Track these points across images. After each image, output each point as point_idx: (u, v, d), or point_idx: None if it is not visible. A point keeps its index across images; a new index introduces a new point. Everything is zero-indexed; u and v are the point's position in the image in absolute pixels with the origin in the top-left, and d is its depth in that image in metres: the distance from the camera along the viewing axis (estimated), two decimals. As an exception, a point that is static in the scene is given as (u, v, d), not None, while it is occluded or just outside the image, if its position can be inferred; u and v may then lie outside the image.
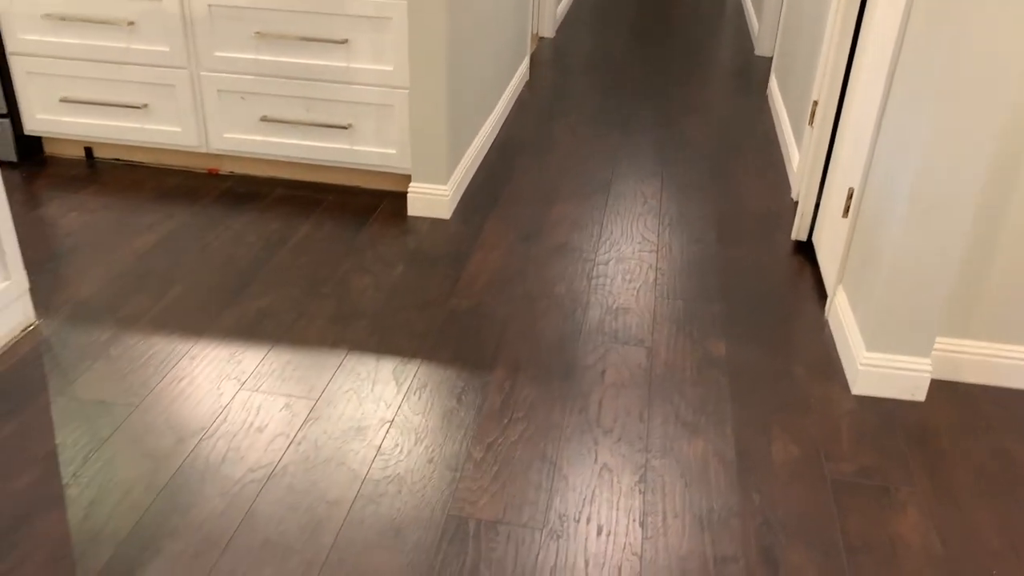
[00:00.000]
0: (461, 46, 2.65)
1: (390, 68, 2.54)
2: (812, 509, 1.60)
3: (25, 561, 1.42)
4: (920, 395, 1.91)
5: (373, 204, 2.73)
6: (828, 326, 2.18)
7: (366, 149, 2.68)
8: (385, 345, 2.03)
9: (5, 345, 1.95)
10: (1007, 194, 1.79)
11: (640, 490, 1.63)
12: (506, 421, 1.80)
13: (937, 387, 1.96)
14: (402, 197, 2.78)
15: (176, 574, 1.41)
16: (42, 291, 2.17)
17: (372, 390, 1.88)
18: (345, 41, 2.53)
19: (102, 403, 1.79)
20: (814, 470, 1.70)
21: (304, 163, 2.80)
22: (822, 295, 2.33)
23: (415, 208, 2.68)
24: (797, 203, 2.85)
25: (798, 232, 2.57)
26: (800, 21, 3.29)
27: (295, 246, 2.46)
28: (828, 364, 2.03)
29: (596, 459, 1.71)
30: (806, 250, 2.56)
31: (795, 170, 2.92)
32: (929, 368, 1.89)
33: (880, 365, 1.89)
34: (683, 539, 1.53)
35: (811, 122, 2.75)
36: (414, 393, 1.87)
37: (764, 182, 3.02)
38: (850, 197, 2.12)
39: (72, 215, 2.57)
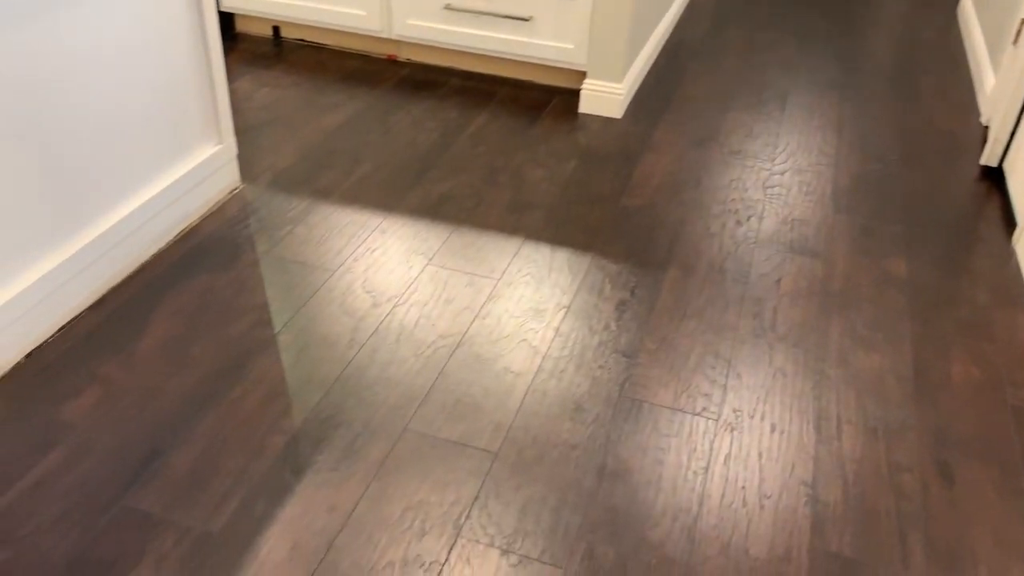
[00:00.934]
0: (650, -59, 2.59)
1: (577, -39, 2.52)
2: (991, 431, 1.59)
3: (247, 395, 1.59)
4: (1116, 333, 1.83)
5: (545, 99, 2.76)
6: (1016, 256, 2.10)
7: (544, 43, 2.69)
8: (559, 236, 2.09)
9: (215, 205, 2.12)
10: None
11: (815, 395, 1.66)
12: (679, 318, 1.84)
13: None
14: (573, 94, 2.80)
15: (377, 421, 1.55)
16: (243, 159, 2.33)
17: (549, 276, 1.95)
18: (535, -69, 2.52)
19: (304, 264, 1.94)
20: (995, 394, 1.68)
21: (478, 54, 2.84)
22: (1009, 223, 2.23)
23: (587, 105, 2.69)
24: (986, 127, 2.71)
25: (988, 157, 2.45)
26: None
27: (472, 135, 2.53)
28: (1016, 294, 1.97)
29: (770, 362, 1.73)
30: (994, 176, 2.45)
31: (987, 93, 2.76)
32: None
33: (1076, 298, 1.82)
34: (857, 445, 1.55)
35: (1015, 41, 2.58)
36: (588, 283, 1.94)
37: (949, 103, 2.87)
38: (1062, 121, 2.00)
39: (265, 90, 2.71)
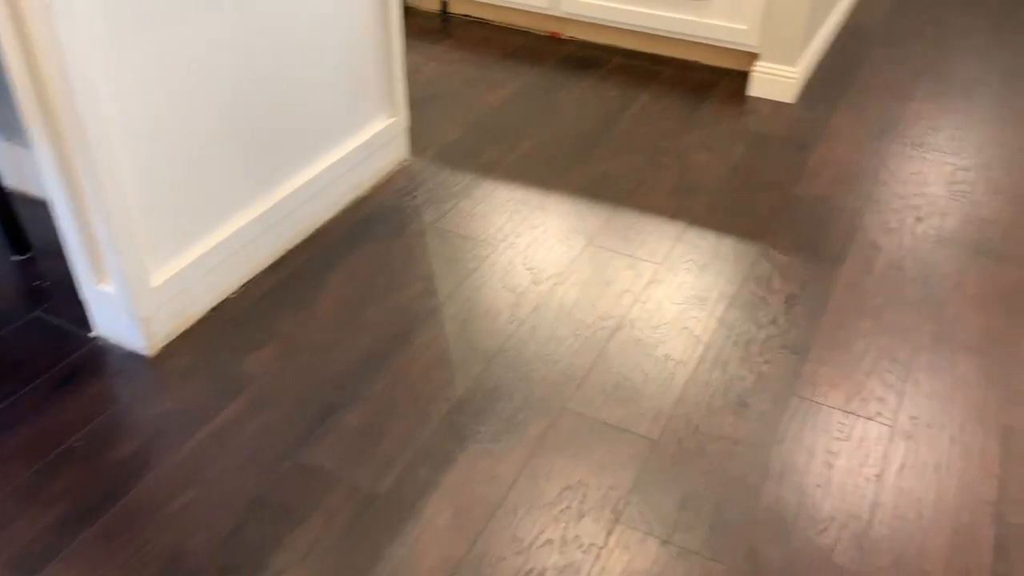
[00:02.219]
0: (839, -83, 2.45)
1: (758, -62, 2.42)
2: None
3: (414, 361, 1.63)
4: None
5: (712, 81, 2.68)
6: None
7: (716, 23, 2.61)
8: (725, 223, 2.04)
9: (385, 176, 2.18)
10: None
11: (1002, 409, 1.54)
12: (854, 317, 1.76)
13: None
14: (742, 76, 2.70)
15: (536, 397, 1.56)
16: (411, 132, 2.38)
17: (713, 264, 1.90)
18: (716, -94, 2.43)
19: (467, 238, 1.97)
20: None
21: (643, 32, 2.79)
22: None
23: (757, 88, 2.60)
24: None
25: None
26: None
27: (635, 115, 2.49)
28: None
29: (952, 370, 1.63)
30: None
31: None
32: None
33: None
34: (1048, 467, 1.44)
35: None
36: (756, 273, 1.87)
37: None
38: None
39: (431, 65, 2.76)
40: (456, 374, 1.60)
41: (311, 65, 1.84)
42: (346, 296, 1.78)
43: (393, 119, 2.15)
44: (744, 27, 2.57)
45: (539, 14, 2.95)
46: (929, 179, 2.21)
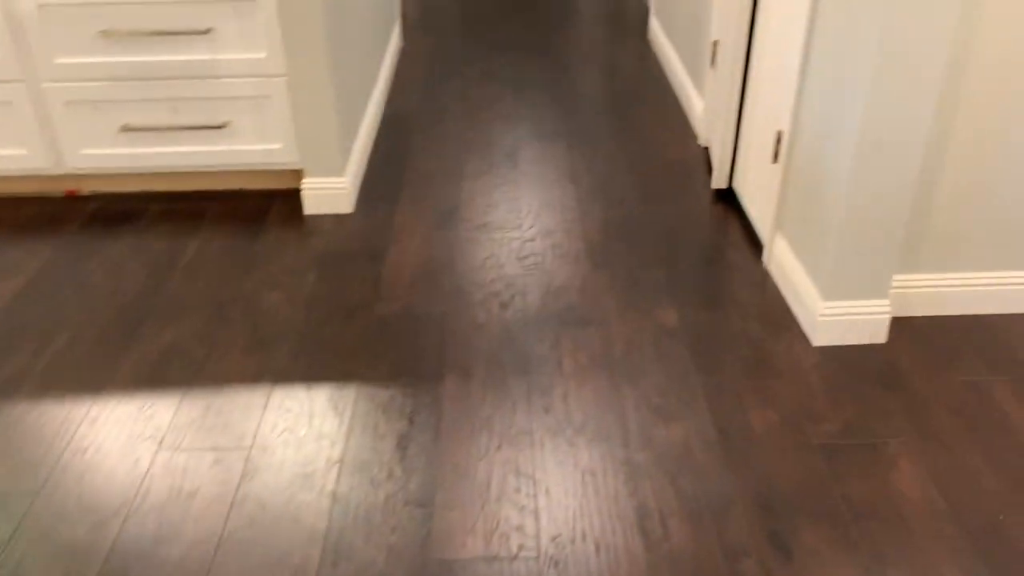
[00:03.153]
0: (337, 17, 2.40)
1: (263, 55, 2.27)
2: (808, 480, 1.52)
3: None
4: (881, 337, 1.86)
5: (264, 207, 2.48)
6: (770, 276, 2.11)
7: (247, 148, 2.41)
8: (314, 370, 1.82)
9: None
10: (948, 121, 1.74)
11: (630, 492, 1.51)
12: (469, 435, 1.64)
13: (892, 325, 1.92)
14: (295, 195, 2.53)
15: None
16: None
17: (311, 426, 1.67)
18: (208, 31, 2.24)
19: (-6, 494, 1.52)
20: (798, 436, 1.62)
21: (179, 171, 2.50)
22: (753, 243, 2.25)
23: (313, 205, 2.44)
24: (706, 148, 2.77)
25: (718, 181, 2.49)
26: (680, -42, 3.18)
27: (187, 267, 2.19)
28: (782, 317, 1.96)
29: (576, 465, 1.57)
30: (727, 197, 2.49)
31: (699, 115, 2.84)
32: (888, 309, 1.84)
33: (839, 313, 1.83)
34: (686, 539, 1.42)
35: (713, 63, 2.66)
36: (359, 422, 1.68)
37: (668, 131, 2.92)
38: (779, 141, 2.03)
39: (-88, 267, 2.20)
40: None
41: None
42: None
43: None
44: (278, 146, 2.40)
45: (46, 176, 2.51)
46: (502, 259, 2.21)
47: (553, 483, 1.53)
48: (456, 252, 2.24)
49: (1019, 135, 1.75)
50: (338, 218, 2.42)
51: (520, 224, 2.36)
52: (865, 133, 1.64)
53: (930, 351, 1.84)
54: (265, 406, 1.72)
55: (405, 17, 4.17)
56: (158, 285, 2.11)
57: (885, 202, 1.71)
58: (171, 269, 2.18)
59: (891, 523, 1.43)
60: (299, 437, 1.64)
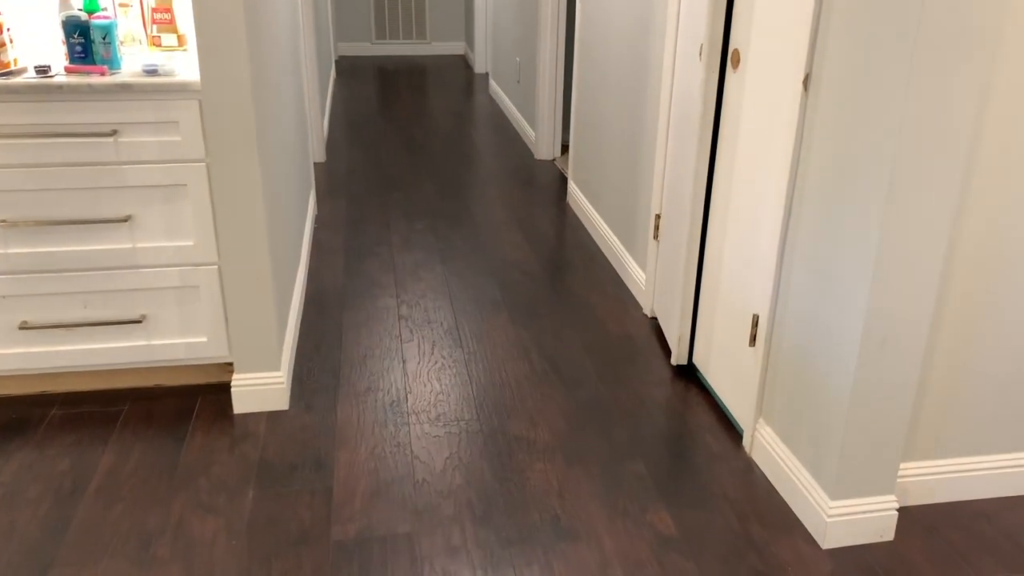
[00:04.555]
0: (272, 202, 2.22)
1: (190, 243, 2.06)
2: None
3: None
4: (889, 534, 1.75)
5: (187, 406, 2.19)
6: (756, 465, 1.99)
7: (167, 342, 2.14)
8: (270, 619, 1.53)
9: None
10: (939, 308, 1.70)
11: None
12: None
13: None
14: (221, 390, 2.26)
15: None
16: None
17: None
18: (128, 218, 2.01)
19: None
20: (839, 667, 1.45)
21: (84, 370, 2.20)
22: (726, 426, 2.14)
23: (243, 404, 2.18)
24: (654, 319, 2.70)
25: (678, 357, 2.40)
26: (601, 136, 3.21)
27: (100, 490, 1.87)
28: (781, 515, 1.83)
29: None
30: (687, 373, 2.39)
31: (642, 287, 2.78)
32: (895, 504, 1.74)
33: (849, 512, 1.71)
34: None
35: (656, 236, 2.63)
36: None
37: (608, 300, 2.85)
38: (756, 324, 1.96)
39: None
40: None
41: None
42: None
43: None
44: (204, 339, 2.15)
45: (-82, 381, 2.15)
46: (465, 459, 2.00)
47: None
48: (413, 454, 2.02)
49: (1007, 319, 1.73)
50: (273, 417, 2.16)
51: (477, 415, 2.17)
52: (869, 330, 1.57)
53: (941, 548, 1.73)
54: None
55: (317, 182, 4.03)
56: (66, 515, 1.78)
57: (891, 395, 1.64)
58: (80, 493, 1.86)
59: None
60: None
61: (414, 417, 2.16)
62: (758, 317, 1.95)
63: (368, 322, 2.66)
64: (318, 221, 3.52)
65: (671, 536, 1.76)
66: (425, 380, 2.33)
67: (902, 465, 1.83)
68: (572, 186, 3.77)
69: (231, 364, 2.26)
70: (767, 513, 1.83)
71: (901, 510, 1.84)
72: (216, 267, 2.08)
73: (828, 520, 1.71)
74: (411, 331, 2.61)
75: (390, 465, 1.97)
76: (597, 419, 2.17)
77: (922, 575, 1.66)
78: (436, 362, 2.43)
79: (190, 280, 2.09)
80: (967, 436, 1.83)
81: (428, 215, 3.61)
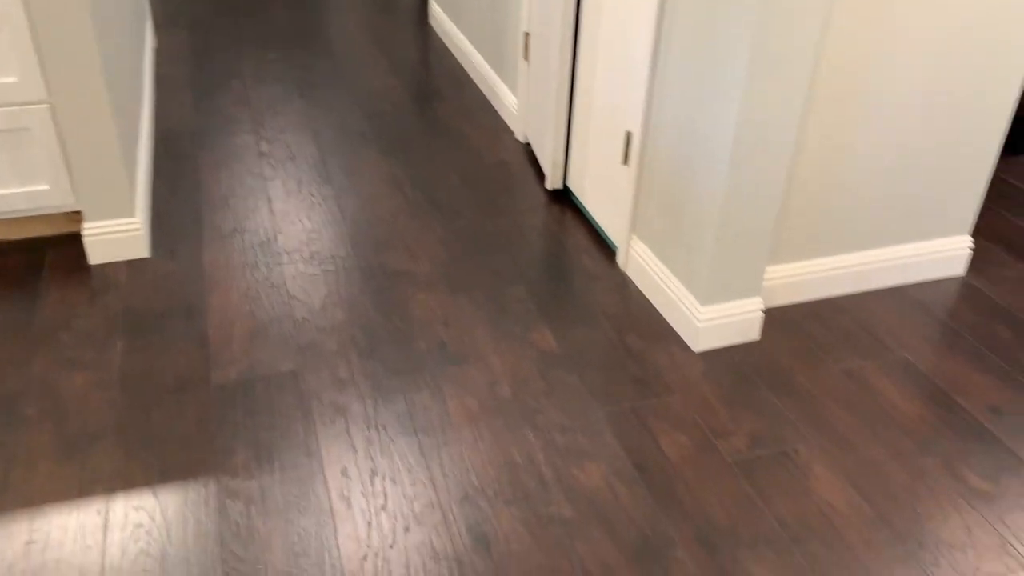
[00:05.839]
0: (103, 29, 1.99)
1: (13, 79, 1.83)
2: (737, 505, 1.47)
3: None
4: (755, 334, 1.86)
5: (35, 261, 2.03)
6: (631, 281, 2.05)
7: (4, 192, 1.95)
8: (156, 469, 1.50)
9: None
10: (802, 117, 1.74)
11: (568, 553, 1.37)
12: (371, 527, 1.42)
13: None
14: (73, 242, 2.10)
15: None
16: None
17: (171, 542, 1.37)
18: (-68, 51, 1.76)
19: None
20: (712, 456, 1.57)
21: (-91, 229, 1.99)
22: (601, 245, 2.18)
23: (99, 254, 2.04)
24: (527, 145, 2.67)
25: (553, 181, 2.39)
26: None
27: (-53, 355, 1.73)
28: (656, 325, 1.91)
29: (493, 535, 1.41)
30: (562, 197, 2.40)
31: (514, 111, 2.72)
32: (761, 305, 1.84)
33: (719, 316, 1.80)
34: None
35: (526, 57, 2.55)
36: (222, 539, 1.40)
37: (479, 128, 2.78)
38: (628, 142, 1.96)
39: None
40: None
41: None
42: None
43: None
44: (46, 187, 1.97)
45: None
46: (345, 294, 1.96)
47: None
48: (289, 293, 1.96)
49: (861, 130, 1.80)
50: (134, 266, 2.04)
51: (353, 251, 2.12)
52: (740, 139, 1.59)
53: (803, 343, 1.87)
54: (104, 526, 1.39)
55: (152, 11, 3.66)
56: (-89, 384, 1.65)
57: (759, 202, 1.69)
58: (-76, 359, 1.72)
59: (829, 540, 1.42)
60: (159, 559, 1.34)
61: (287, 257, 2.09)
62: (631, 134, 1.94)
63: (227, 161, 2.50)
64: (158, 55, 3.22)
65: (554, 352, 1.81)
66: (295, 219, 2.24)
67: (768, 269, 1.92)
68: (433, 6, 3.58)
69: (79, 213, 2.09)
70: (643, 324, 1.90)
71: (767, 311, 1.95)
72: (47, 106, 1.87)
73: (699, 326, 1.79)
74: (274, 168, 2.48)
75: (266, 306, 1.91)
76: (477, 248, 2.16)
77: (785, 367, 1.79)
78: (304, 199, 2.33)
79: (19, 122, 1.88)
80: (827, 239, 1.94)
81: (282, 44, 3.36)
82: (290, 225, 2.21)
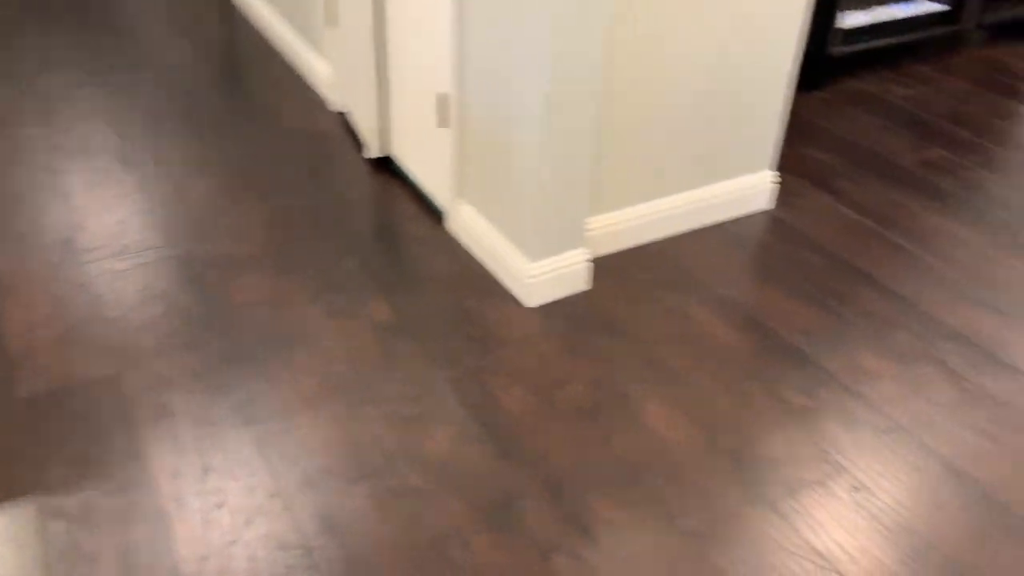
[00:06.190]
0: None
1: None
2: (581, 450, 1.51)
3: None
4: (585, 284, 1.91)
5: None
6: (459, 243, 2.05)
7: None
8: (-40, 497, 1.37)
9: None
10: (608, 68, 1.78)
11: (421, 522, 1.36)
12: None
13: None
14: None
15: None
16: None
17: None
18: None
19: None
20: (553, 406, 1.60)
21: None
22: (428, 211, 2.17)
23: None
24: (342, 114, 2.60)
25: (374, 150, 2.34)
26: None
27: None
28: (488, 283, 1.91)
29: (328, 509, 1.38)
30: (384, 165, 2.36)
31: (325, 79, 2.64)
32: (587, 255, 1.88)
33: (547, 271, 1.83)
34: (497, 550, 1.32)
35: (334, 22, 2.47)
36: (60, 552, 1.30)
37: (289, 99, 2.68)
38: (445, 104, 1.94)
39: None
40: None
41: None
42: None
43: None
44: None
45: None
46: (162, 288, 1.85)
47: (333, 544, 1.33)
48: (98, 293, 1.82)
49: (662, 79, 1.86)
50: (-88, 280, 1.83)
51: (167, 241, 2.00)
52: (552, 93, 1.61)
53: (629, 288, 1.93)
54: (-96, 572, 1.25)
55: (-94, -4, 3.27)
56: None
57: (574, 155, 1.72)
58: None
59: (668, 471, 1.48)
60: (-23, 600, 1.22)
61: (93, 254, 1.94)
62: (447, 96, 1.92)
63: (13, 156, 2.29)
64: (-80, 44, 2.89)
65: (390, 322, 1.78)
66: (98, 212, 2.08)
67: (590, 220, 1.96)
68: (233, -21, 3.40)
69: None
70: (476, 286, 1.91)
71: (595, 261, 2.00)
72: None
73: (530, 281, 1.81)
74: (70, 160, 2.29)
75: (73, 309, 1.77)
76: (301, 225, 2.08)
77: (617, 312, 1.84)
78: (107, 191, 2.17)
79: None
80: (642, 186, 2.00)
81: (69, 28, 3.09)
82: (93, 219, 2.05)
